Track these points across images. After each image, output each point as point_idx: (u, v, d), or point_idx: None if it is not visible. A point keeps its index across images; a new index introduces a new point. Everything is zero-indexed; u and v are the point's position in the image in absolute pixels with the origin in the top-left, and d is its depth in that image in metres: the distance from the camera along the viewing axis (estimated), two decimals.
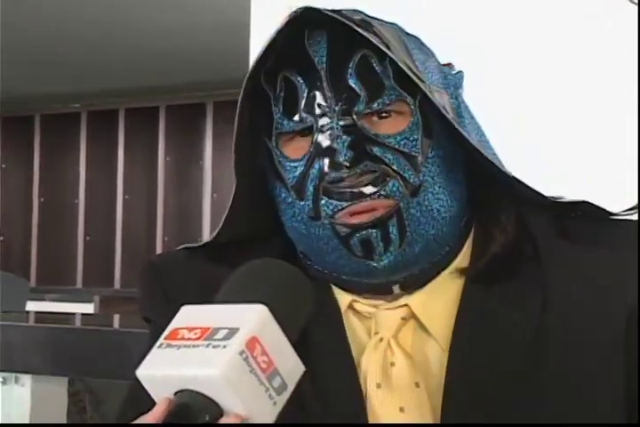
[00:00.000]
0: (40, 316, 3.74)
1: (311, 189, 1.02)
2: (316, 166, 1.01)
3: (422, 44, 1.09)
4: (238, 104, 1.04)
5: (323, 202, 1.01)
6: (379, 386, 1.03)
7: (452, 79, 1.07)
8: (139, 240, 7.17)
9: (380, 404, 1.02)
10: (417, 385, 1.03)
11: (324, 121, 1.01)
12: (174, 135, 7.05)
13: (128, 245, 7.15)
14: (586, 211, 1.06)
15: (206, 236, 6.65)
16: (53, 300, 6.43)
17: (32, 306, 4.42)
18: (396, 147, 1.01)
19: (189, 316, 0.86)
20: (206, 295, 0.92)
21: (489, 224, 1.06)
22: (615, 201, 1.10)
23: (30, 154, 7.56)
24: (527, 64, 2.08)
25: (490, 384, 1.00)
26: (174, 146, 7.05)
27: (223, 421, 0.81)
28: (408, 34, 1.08)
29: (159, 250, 6.81)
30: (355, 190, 1.00)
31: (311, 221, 1.02)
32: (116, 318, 3.73)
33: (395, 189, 1.00)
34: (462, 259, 1.06)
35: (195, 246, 1.12)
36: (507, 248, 1.05)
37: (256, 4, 2.39)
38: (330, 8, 1.03)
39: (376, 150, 1.00)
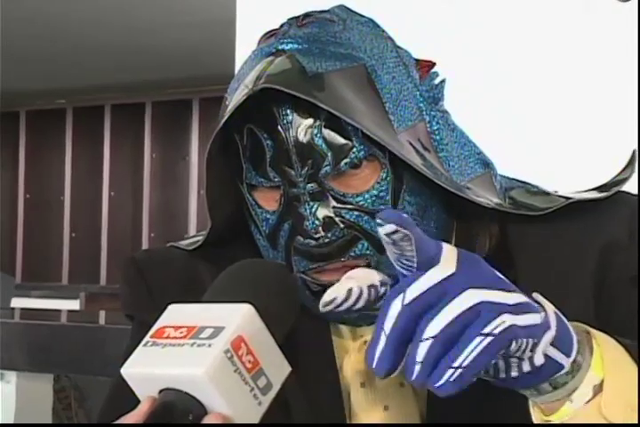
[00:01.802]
0: (25, 312, 3.74)
1: (283, 243, 1.01)
2: (287, 226, 1.00)
3: (396, 56, 1.04)
4: (206, 152, 1.02)
5: (295, 258, 1.00)
6: (363, 385, 1.03)
7: (429, 97, 1.05)
8: (124, 237, 7.16)
9: (364, 403, 1.02)
10: (402, 385, 1.03)
11: (291, 184, 0.99)
12: (160, 132, 7.03)
13: (114, 241, 7.14)
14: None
15: (192, 232, 6.64)
16: (39, 296, 6.42)
17: (17, 303, 4.41)
18: (365, 206, 0.99)
19: (176, 314, 0.86)
20: (189, 293, 0.91)
21: (472, 232, 1.06)
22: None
23: (15, 150, 7.54)
24: (526, 64, 2.08)
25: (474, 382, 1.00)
26: (160, 142, 7.03)
27: (207, 420, 0.81)
28: (384, 38, 1.05)
29: (145, 247, 6.80)
30: (324, 252, 0.99)
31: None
32: (102, 314, 3.73)
33: (364, 249, 0.99)
34: None
35: (181, 247, 1.12)
36: (490, 252, 1.04)
37: (242, 1, 2.39)
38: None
39: (344, 213, 0.99)
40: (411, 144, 1.00)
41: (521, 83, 2.08)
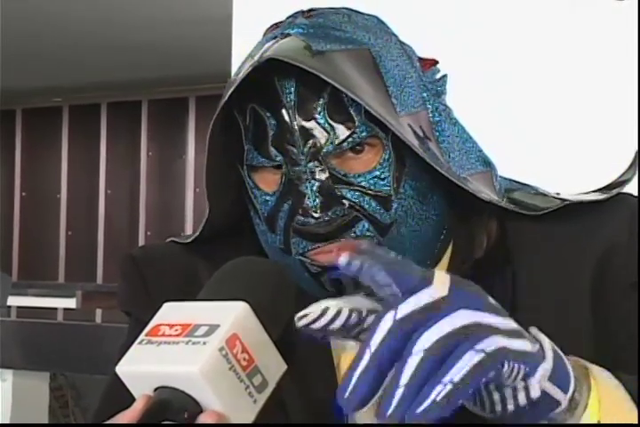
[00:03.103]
0: (22, 311, 3.73)
1: (282, 225, 1.00)
2: (286, 206, 1.00)
3: (400, 48, 1.05)
4: (209, 130, 1.01)
5: (293, 240, 1.00)
6: None
7: (432, 88, 1.06)
8: (121, 235, 7.16)
9: None
10: None
11: (292, 162, 0.99)
12: (157, 129, 7.03)
13: (110, 239, 7.14)
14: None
15: (189, 230, 6.64)
16: (35, 295, 6.42)
17: (14, 301, 4.41)
18: (367, 187, 0.99)
19: (171, 312, 0.86)
20: (186, 289, 0.91)
21: (470, 229, 1.06)
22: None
23: (12, 148, 7.54)
24: (526, 64, 2.08)
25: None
26: (157, 140, 7.03)
27: (201, 418, 0.80)
28: (388, 33, 1.06)
29: (141, 244, 6.80)
30: (325, 232, 0.98)
31: (283, 253, 1.02)
32: (98, 312, 3.72)
33: (364, 230, 0.99)
34: (441, 268, 1.05)
35: (179, 242, 1.12)
36: (488, 250, 1.04)
37: None
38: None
39: (345, 192, 0.99)
40: (413, 130, 1.01)
41: (520, 83, 2.08)
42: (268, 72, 0.99)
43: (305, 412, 1.02)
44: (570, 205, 1.05)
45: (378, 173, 0.99)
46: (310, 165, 0.98)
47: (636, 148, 1.14)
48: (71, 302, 6.24)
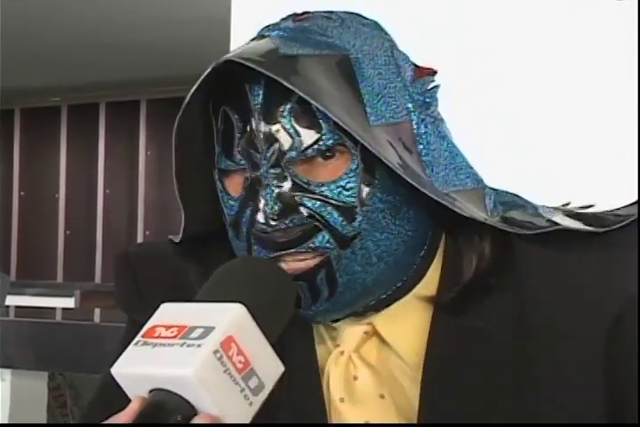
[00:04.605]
0: (20, 310, 3.73)
1: (244, 231, 0.98)
2: (248, 211, 0.98)
3: (389, 57, 1.02)
4: (174, 131, 1.01)
5: (255, 248, 0.98)
6: (342, 400, 1.01)
7: (419, 99, 1.01)
8: (120, 234, 7.15)
9: (345, 418, 1.01)
10: (382, 397, 1.01)
11: (254, 167, 0.96)
12: (155, 129, 7.03)
13: (109, 239, 7.13)
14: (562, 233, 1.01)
15: None
16: (34, 294, 6.41)
17: (12, 300, 4.40)
18: (330, 197, 0.96)
19: (168, 313, 0.86)
20: (179, 289, 0.91)
21: (460, 245, 1.02)
22: (613, 201, 1.09)
23: (10, 148, 7.53)
24: (525, 63, 2.08)
25: (466, 397, 0.98)
26: (155, 140, 7.03)
27: (195, 421, 0.80)
28: (383, 39, 1.03)
29: None
30: (282, 241, 0.96)
31: None
32: (97, 312, 3.72)
33: (324, 241, 0.96)
34: (428, 284, 1.02)
35: (175, 240, 1.12)
36: (480, 271, 1.00)
37: None
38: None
39: (306, 201, 0.96)
40: (388, 141, 0.97)
41: (520, 83, 2.08)
42: (239, 75, 0.97)
43: (290, 421, 1.01)
44: (573, 232, 1.00)
45: (343, 183, 0.96)
46: (272, 170, 0.96)
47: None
48: (70, 302, 6.23)
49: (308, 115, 0.96)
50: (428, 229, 1.02)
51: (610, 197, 1.15)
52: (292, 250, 0.96)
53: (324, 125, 0.96)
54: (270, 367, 0.84)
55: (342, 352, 1.02)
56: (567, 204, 1.08)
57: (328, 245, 0.96)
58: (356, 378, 1.01)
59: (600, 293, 0.98)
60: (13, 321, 2.85)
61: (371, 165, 0.97)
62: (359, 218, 0.96)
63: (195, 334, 0.81)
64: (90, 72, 6.69)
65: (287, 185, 0.96)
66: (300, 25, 1.02)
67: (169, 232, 1.11)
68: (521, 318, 0.99)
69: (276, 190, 0.96)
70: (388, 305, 1.02)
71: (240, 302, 0.84)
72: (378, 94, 0.99)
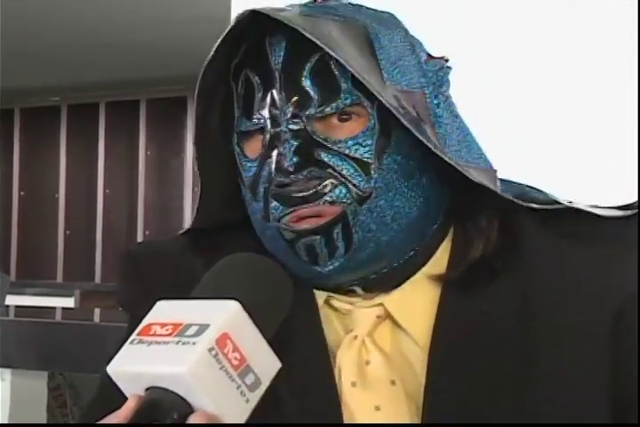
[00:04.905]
0: (20, 310, 3.73)
1: (262, 191, 1.00)
2: (266, 169, 1.00)
3: (404, 37, 1.04)
4: (196, 91, 1.02)
5: (272, 205, 1.00)
6: (354, 384, 1.01)
7: (432, 77, 1.04)
8: (119, 234, 7.15)
9: (355, 403, 1.01)
10: (393, 383, 1.01)
11: (274, 124, 0.99)
12: (155, 129, 7.03)
13: (109, 239, 7.13)
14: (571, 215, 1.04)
15: None
16: (34, 294, 6.41)
17: (12, 300, 4.40)
18: (346, 152, 0.98)
19: (163, 311, 0.86)
20: (184, 286, 0.91)
21: (468, 229, 1.03)
22: (614, 202, 1.09)
23: (10, 148, 7.53)
24: (524, 63, 2.08)
25: (471, 383, 0.99)
26: (155, 139, 7.03)
27: (192, 419, 0.80)
28: (397, 25, 1.05)
29: None
30: (300, 195, 0.98)
31: (264, 222, 1.01)
32: (97, 312, 3.72)
33: (341, 195, 0.98)
34: (437, 264, 1.03)
35: (178, 235, 1.11)
36: (487, 254, 1.02)
37: None
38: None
39: (323, 156, 0.98)
40: (400, 104, 0.99)
41: (520, 83, 2.08)
42: (261, 36, 1.00)
43: (299, 412, 1.01)
44: (588, 220, 1.02)
45: (360, 140, 0.99)
46: (291, 126, 0.99)
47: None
48: (69, 302, 6.23)
49: (327, 74, 0.99)
50: (441, 201, 1.04)
51: (610, 197, 1.16)
52: (310, 204, 0.98)
53: (342, 85, 0.99)
54: (267, 364, 0.84)
55: (356, 337, 1.03)
56: (569, 202, 1.09)
57: (345, 199, 0.98)
58: (368, 363, 1.02)
59: (603, 287, 1.00)
60: (13, 321, 2.85)
61: (387, 127, 0.99)
62: (375, 175, 0.98)
63: (190, 332, 0.81)
64: (90, 72, 6.69)
65: (306, 140, 0.98)
66: (317, 5, 1.05)
67: (169, 232, 1.12)
68: (525, 304, 1.00)
69: (295, 144, 0.98)
70: (398, 285, 1.03)
71: (236, 299, 0.84)
72: (393, 62, 1.01)
